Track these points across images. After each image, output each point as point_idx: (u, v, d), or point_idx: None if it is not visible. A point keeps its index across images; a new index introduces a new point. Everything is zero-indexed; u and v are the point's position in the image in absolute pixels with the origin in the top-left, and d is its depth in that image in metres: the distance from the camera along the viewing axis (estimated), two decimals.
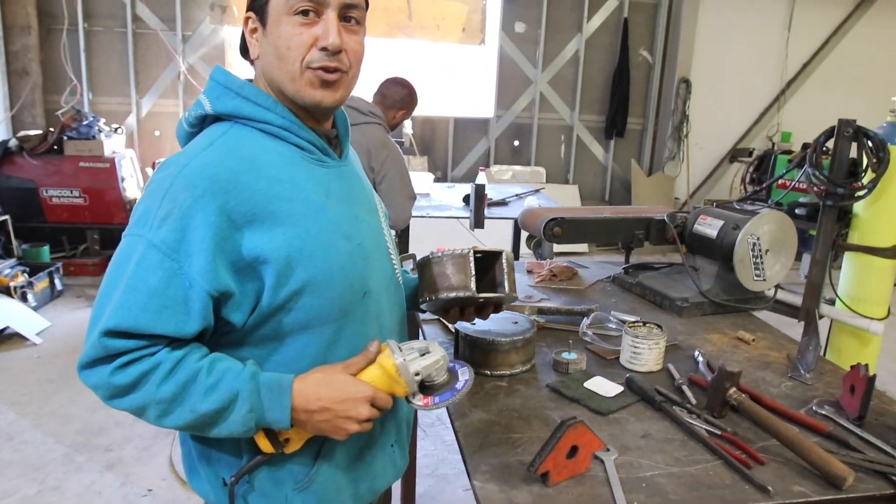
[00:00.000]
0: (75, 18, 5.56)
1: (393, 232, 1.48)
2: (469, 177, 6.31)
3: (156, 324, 0.93)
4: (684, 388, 1.40)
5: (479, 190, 3.57)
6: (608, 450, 1.15)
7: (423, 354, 1.05)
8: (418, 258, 1.27)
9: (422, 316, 1.73)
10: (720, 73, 6.80)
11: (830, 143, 2.20)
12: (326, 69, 1.02)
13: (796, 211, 2.58)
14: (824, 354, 2.36)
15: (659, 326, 1.55)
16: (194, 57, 5.89)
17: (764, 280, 1.88)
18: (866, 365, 1.30)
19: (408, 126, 5.32)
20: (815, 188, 2.22)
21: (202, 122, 1.08)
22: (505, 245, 1.26)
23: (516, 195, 4.32)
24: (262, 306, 1.00)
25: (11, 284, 4.24)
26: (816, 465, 1.10)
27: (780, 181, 4.20)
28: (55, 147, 5.13)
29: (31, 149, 5.06)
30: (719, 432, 1.23)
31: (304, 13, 1.01)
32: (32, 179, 5.08)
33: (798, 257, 2.12)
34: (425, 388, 1.06)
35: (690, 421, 1.26)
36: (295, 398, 0.99)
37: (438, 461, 2.95)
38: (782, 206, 2.30)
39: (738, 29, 6.73)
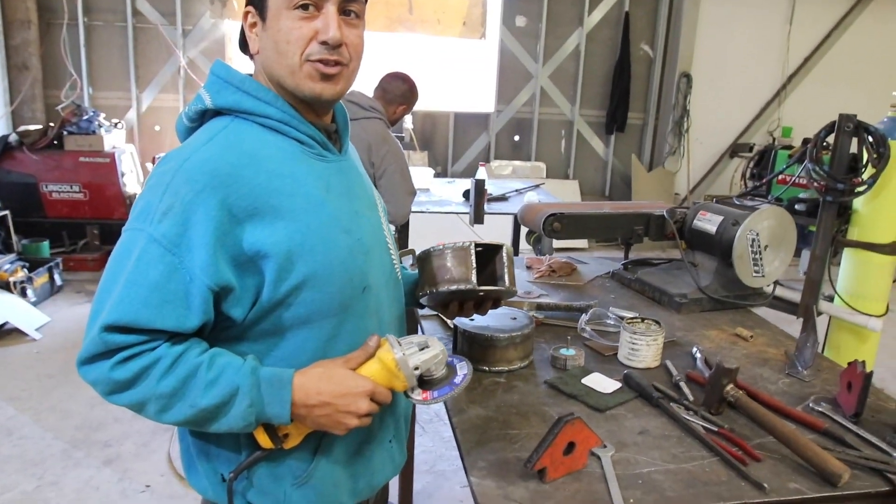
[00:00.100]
0: (75, 13, 5.54)
1: (392, 227, 1.48)
2: (469, 172, 6.29)
3: (156, 318, 0.93)
4: (682, 384, 1.40)
5: (479, 185, 3.55)
6: (605, 446, 1.16)
7: (423, 349, 1.05)
8: (418, 253, 1.27)
9: (420, 311, 1.73)
10: (721, 68, 6.78)
11: (831, 139, 2.18)
12: (326, 62, 1.03)
13: (796, 206, 2.58)
14: (823, 351, 2.36)
15: (657, 323, 1.55)
16: (194, 51, 5.88)
17: (763, 276, 1.88)
18: (863, 362, 1.30)
19: (408, 121, 5.32)
20: (815, 184, 2.21)
21: (202, 117, 1.08)
22: (504, 241, 1.26)
23: (516, 190, 4.30)
24: (262, 301, 1.00)
25: (11, 280, 4.24)
26: (812, 462, 1.11)
27: (780, 177, 4.19)
28: (55, 142, 5.13)
29: (31, 144, 5.06)
30: (716, 429, 1.23)
31: (304, 7, 1.01)
32: (32, 174, 5.08)
33: (797, 253, 2.12)
34: (424, 382, 1.06)
35: (687, 417, 1.27)
36: (295, 393, 0.99)
37: (436, 457, 2.96)
38: (782, 201, 2.29)
39: (740, 23, 6.71)
